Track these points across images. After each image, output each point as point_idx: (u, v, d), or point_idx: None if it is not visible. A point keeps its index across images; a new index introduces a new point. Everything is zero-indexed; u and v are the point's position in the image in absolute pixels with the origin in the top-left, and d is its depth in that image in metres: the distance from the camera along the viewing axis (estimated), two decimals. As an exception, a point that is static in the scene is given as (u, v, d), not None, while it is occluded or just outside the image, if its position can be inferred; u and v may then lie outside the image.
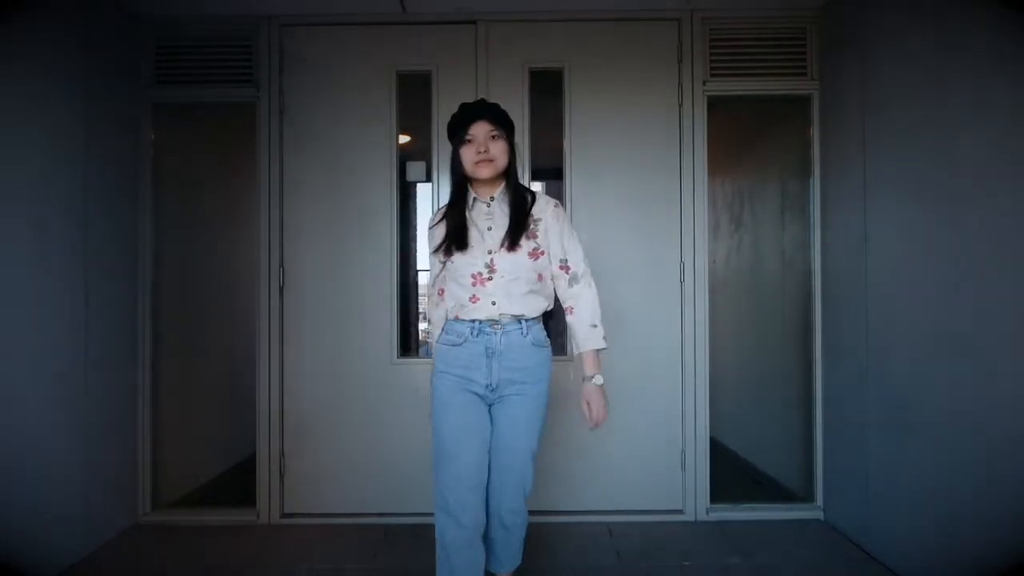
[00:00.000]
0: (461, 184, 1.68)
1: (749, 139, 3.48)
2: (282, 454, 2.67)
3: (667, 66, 2.66)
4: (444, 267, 1.70)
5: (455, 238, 1.63)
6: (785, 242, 3.04)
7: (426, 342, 3.42)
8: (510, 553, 1.75)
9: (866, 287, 2.30)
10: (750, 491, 3.01)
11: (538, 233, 1.64)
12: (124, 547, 2.40)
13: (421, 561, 2.24)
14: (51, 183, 2.17)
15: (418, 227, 4.42)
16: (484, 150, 1.59)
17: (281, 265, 2.67)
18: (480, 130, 1.60)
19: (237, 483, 2.99)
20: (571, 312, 1.69)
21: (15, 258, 2.00)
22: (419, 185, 3.75)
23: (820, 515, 2.61)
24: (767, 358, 3.25)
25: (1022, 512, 1.61)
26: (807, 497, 2.70)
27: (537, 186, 4.26)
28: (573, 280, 1.68)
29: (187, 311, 2.98)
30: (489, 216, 1.65)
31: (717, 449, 3.01)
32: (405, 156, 2.92)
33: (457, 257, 1.63)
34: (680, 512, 2.64)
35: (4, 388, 1.95)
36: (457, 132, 1.64)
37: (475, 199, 1.68)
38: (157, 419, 2.71)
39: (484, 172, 1.61)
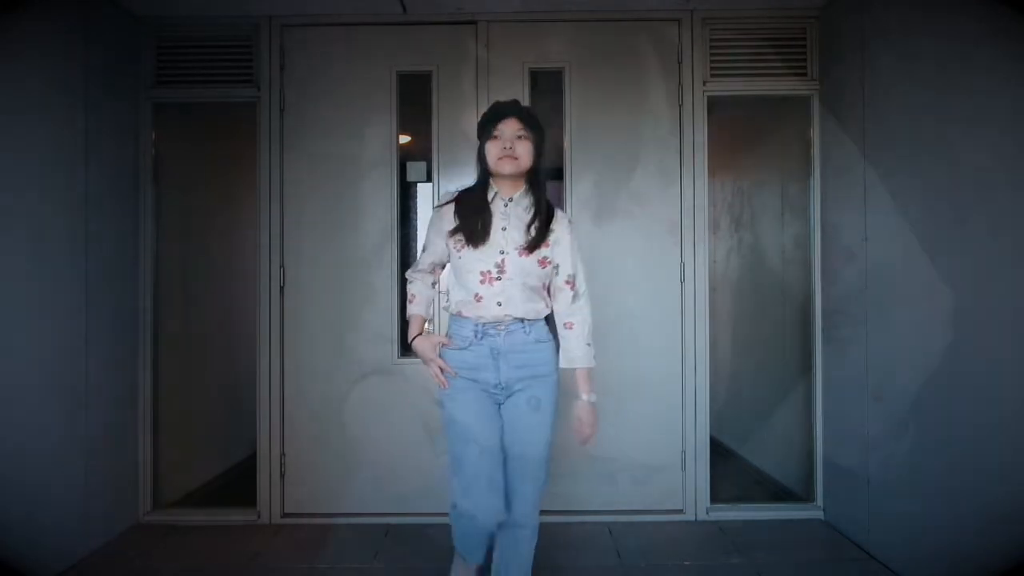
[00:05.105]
0: (485, 181, 1.67)
1: (749, 139, 3.48)
2: (282, 454, 2.67)
3: (667, 66, 2.67)
4: (449, 251, 1.68)
5: (479, 231, 1.60)
6: (785, 242, 3.04)
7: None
8: (518, 563, 1.72)
9: (866, 287, 2.30)
10: (750, 491, 3.01)
11: (550, 243, 1.64)
12: (124, 547, 2.40)
13: (421, 561, 2.24)
14: (52, 184, 2.17)
15: (418, 227, 4.41)
16: (509, 147, 1.58)
17: (281, 265, 2.67)
18: (508, 128, 1.60)
19: (237, 483, 2.99)
20: (570, 327, 1.69)
21: (15, 258, 2.00)
22: (419, 185, 3.75)
23: (820, 515, 2.61)
24: (767, 358, 3.25)
25: (1022, 512, 1.61)
26: (807, 497, 2.70)
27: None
28: (576, 297, 1.69)
29: (187, 311, 2.98)
30: (504, 216, 1.64)
31: (717, 449, 3.01)
32: (405, 156, 2.92)
33: (467, 251, 1.62)
34: (680, 512, 2.64)
35: (4, 388, 1.95)
36: (486, 127, 1.63)
37: (495, 194, 1.67)
38: (157, 419, 2.71)
39: (506, 168, 1.59)
